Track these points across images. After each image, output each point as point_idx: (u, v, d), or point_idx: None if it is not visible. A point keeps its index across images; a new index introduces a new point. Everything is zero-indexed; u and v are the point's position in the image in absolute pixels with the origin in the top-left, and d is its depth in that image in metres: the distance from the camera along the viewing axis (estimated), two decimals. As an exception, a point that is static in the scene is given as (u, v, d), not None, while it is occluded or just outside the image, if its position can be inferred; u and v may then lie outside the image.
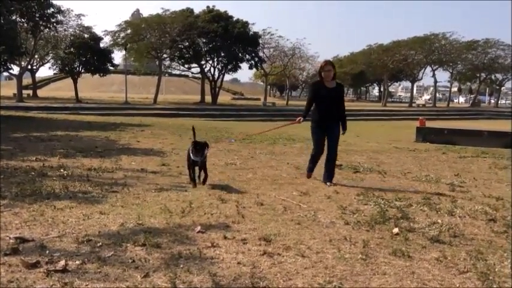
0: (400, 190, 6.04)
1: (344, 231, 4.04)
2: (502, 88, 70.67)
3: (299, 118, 6.58)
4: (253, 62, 44.64)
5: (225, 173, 6.91)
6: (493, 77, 62.63)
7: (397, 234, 4.00)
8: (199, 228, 3.89)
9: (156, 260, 3.19)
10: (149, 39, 40.33)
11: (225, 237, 3.67)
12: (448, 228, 4.21)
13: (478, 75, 61.57)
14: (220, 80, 45.15)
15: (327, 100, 6.41)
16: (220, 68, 44.27)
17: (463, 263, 3.33)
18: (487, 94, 76.77)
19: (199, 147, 5.83)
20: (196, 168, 6.01)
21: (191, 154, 5.82)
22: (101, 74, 40.67)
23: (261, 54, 46.66)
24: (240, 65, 44.41)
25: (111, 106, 28.98)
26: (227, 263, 3.15)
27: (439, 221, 4.50)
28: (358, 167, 8.04)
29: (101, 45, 40.14)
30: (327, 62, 6.73)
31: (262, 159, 8.68)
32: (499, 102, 69.92)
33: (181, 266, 3.07)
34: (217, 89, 44.17)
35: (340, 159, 8.95)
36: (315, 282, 2.85)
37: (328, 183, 6.34)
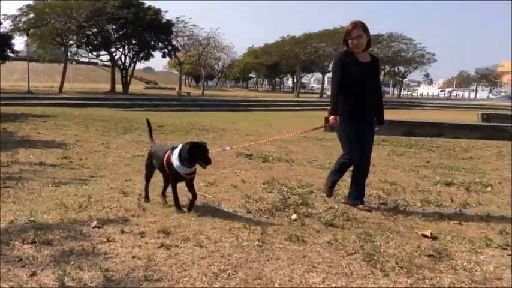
0: (304, 178, 6.27)
1: (245, 219, 4.12)
2: (405, 80, 75.70)
3: (332, 118, 4.65)
4: (166, 50, 43.68)
5: (131, 165, 6.73)
6: (396, 69, 66.78)
7: (295, 220, 4.16)
8: (95, 223, 3.76)
9: (45, 257, 3.04)
10: (53, 25, 37.91)
11: (122, 232, 3.59)
12: (342, 213, 4.45)
13: (382, 67, 65.33)
14: (131, 68, 43.70)
15: (361, 81, 4.56)
16: (131, 56, 42.82)
17: (352, 245, 3.55)
18: (391, 85, 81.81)
19: (196, 153, 4.06)
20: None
21: (178, 163, 4.07)
22: (0, 61, 37.56)
23: (174, 42, 45.77)
24: (153, 53, 43.23)
25: (12, 96, 26.93)
26: (121, 257, 3.09)
27: (336, 206, 4.74)
28: (267, 156, 8.21)
29: (0, 30, 37.02)
30: (356, 24, 4.57)
31: (172, 150, 8.56)
32: (402, 93, 74.85)
33: (72, 262, 2.96)
34: (128, 78, 42.69)
35: (251, 149, 9.11)
36: (209, 272, 2.88)
37: (360, 206, 4.70)
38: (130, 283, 2.70)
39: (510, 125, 14.58)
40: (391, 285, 2.83)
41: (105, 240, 3.40)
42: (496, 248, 3.60)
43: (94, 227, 3.69)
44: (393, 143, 11.48)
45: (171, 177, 4.22)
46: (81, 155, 7.46)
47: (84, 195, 4.71)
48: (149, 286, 2.66)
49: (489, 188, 5.96)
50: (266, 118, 22.47)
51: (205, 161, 4.06)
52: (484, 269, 3.17)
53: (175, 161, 4.07)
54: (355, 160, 4.75)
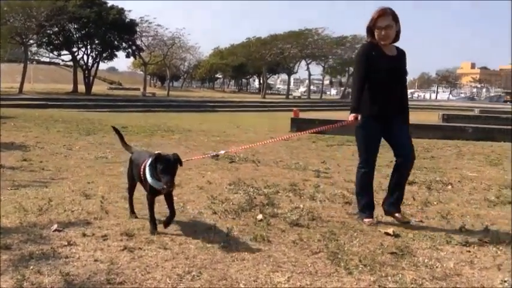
0: (270, 178, 6.29)
1: (210, 220, 4.10)
2: (368, 81, 77.09)
3: (353, 116, 4.06)
4: (130, 50, 43.04)
5: (94, 167, 6.58)
6: (360, 71, 67.93)
7: (260, 220, 4.17)
8: (56, 226, 3.66)
9: (3, 262, 2.94)
10: (13, 24, 36.70)
11: (84, 235, 3.50)
12: (307, 212, 4.48)
13: (347, 69, 66.37)
14: (94, 68, 42.82)
15: (388, 77, 4.08)
16: (94, 56, 41.95)
17: (316, 244, 3.58)
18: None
19: (168, 165, 3.47)
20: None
21: (149, 177, 3.56)
22: (-45, 61, 36.13)
23: (138, 42, 45.16)
24: (116, 53, 42.57)
25: (-32, 96, 25.85)
26: (83, 261, 3.01)
27: (301, 205, 4.77)
28: (234, 157, 8.18)
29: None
30: (385, 11, 4.06)
31: (137, 152, 8.42)
32: (365, 94, 76.13)
33: (32, 267, 2.86)
34: (91, 78, 41.81)
35: (217, 149, 9.06)
36: (174, 274, 2.85)
37: (396, 214, 4.23)
38: (92, 287, 2.63)
39: (469, 125, 15.09)
40: (355, 283, 2.87)
41: (66, 243, 3.31)
42: (456, 244, 3.70)
43: (55, 230, 3.59)
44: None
45: (146, 191, 3.73)
46: (41, 157, 7.24)
47: (45, 198, 4.57)
48: (111, 290, 2.61)
49: (449, 187, 6.13)
50: (233, 119, 22.42)
51: (166, 181, 3.42)
52: (445, 265, 3.25)
53: (147, 172, 3.59)
54: (373, 167, 4.32)
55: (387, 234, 3.91)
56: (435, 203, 5.16)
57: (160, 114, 23.97)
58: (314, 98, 61.41)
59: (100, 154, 7.87)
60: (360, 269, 3.08)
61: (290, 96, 60.67)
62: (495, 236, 3.89)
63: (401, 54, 4.24)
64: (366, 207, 4.28)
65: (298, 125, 16.30)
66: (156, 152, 3.59)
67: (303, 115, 18.97)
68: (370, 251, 3.48)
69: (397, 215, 4.22)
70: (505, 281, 2.98)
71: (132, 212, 4.12)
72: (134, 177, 3.98)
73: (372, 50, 4.15)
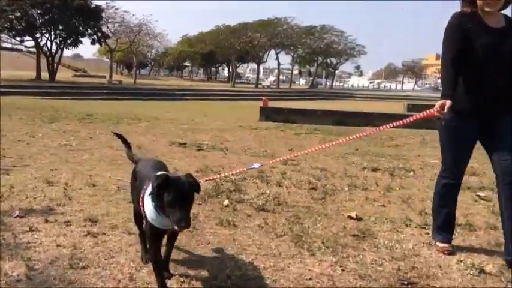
0: (238, 166, 6.30)
1: (176, 206, 4.09)
2: (336, 71, 77.97)
3: (440, 104, 2.99)
4: (95, 37, 41.96)
5: (57, 155, 6.45)
6: (328, 61, 68.61)
7: (227, 205, 4.20)
8: (17, 212, 3.58)
9: (-38, 250, 2.86)
10: (-29, 7, 35.24)
11: (47, 221, 3.45)
12: (274, 198, 4.54)
13: (315, 59, 66.90)
14: (58, 55, 41.63)
15: (492, 58, 3.02)
16: (58, 42, 40.75)
17: (281, 227, 3.64)
18: (323, 77, 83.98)
19: (181, 195, 2.24)
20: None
21: (150, 212, 2.39)
22: None
23: (104, 29, 44.10)
24: (81, 39, 41.44)
25: None
26: (45, 246, 2.97)
27: (268, 191, 4.83)
28: (202, 144, 8.17)
29: None
30: None
31: (102, 140, 8.31)
32: (334, 84, 77.05)
33: (-8, 254, 2.81)
34: (55, 65, 40.65)
35: (185, 137, 9.05)
36: (138, 258, 2.85)
37: None
38: (55, 271, 2.60)
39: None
40: (317, 264, 2.95)
41: (28, 229, 3.25)
42: (416, 227, 3.83)
43: (16, 216, 3.52)
44: (324, 131, 11.82)
45: (146, 231, 2.54)
46: (3, 145, 7.03)
47: (6, 185, 4.45)
48: (74, 274, 2.59)
49: (411, 173, 6.30)
50: (201, 107, 22.31)
51: (178, 218, 2.19)
52: (404, 246, 3.37)
53: (146, 204, 2.40)
54: (460, 178, 3.35)
55: (350, 217, 4.01)
56: (397, 188, 5.30)
57: (127, 102, 23.59)
58: (283, 87, 61.64)
59: (64, 142, 7.71)
60: (323, 250, 3.16)
61: (259, 86, 60.66)
62: (453, 219, 4.04)
63: (511, 26, 3.09)
64: (442, 228, 3.36)
65: (267, 114, 16.38)
66: (160, 173, 2.37)
67: (272, 104, 19.03)
68: (333, 233, 3.56)
69: None
70: (461, 261, 3.11)
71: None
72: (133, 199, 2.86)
73: (469, 21, 3.06)
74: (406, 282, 2.74)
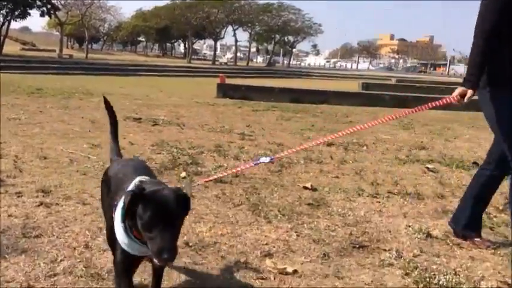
0: (195, 140, 6.28)
1: (132, 178, 4.05)
2: (294, 50, 78.24)
3: (460, 92, 2.74)
4: (45, 9, 40.08)
5: (6, 129, 6.18)
6: (285, 39, 68.63)
7: (184, 177, 4.20)
8: (-36, 184, 3.45)
9: None
10: None
11: (-4, 192, 3.34)
12: (231, 169, 4.57)
13: (273, 36, 66.72)
14: (5, 27, 39.50)
15: None
16: (5, 14, 38.62)
17: (238, 197, 3.69)
18: (281, 55, 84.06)
19: (164, 214, 1.61)
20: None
21: (122, 232, 1.77)
22: None
23: (54, 1, 42.18)
24: (30, 11, 39.46)
25: None
26: (-4, 217, 2.88)
27: (225, 164, 4.85)
28: (157, 120, 8.06)
29: None
30: None
31: (53, 114, 8.03)
32: (291, 62, 77.34)
33: None
34: (2, 38, 38.59)
35: (140, 112, 8.88)
36: (93, 227, 2.82)
37: None
38: (7, 240, 2.54)
39: (387, 93, 15.91)
40: (273, 230, 3.02)
41: (-24, 201, 3.14)
42: (367, 196, 3.98)
43: (-37, 188, 3.38)
44: (282, 108, 11.90)
45: (114, 257, 1.88)
46: None
47: (-50, 158, 4.26)
48: (28, 243, 2.54)
49: (364, 148, 6.50)
50: (156, 83, 21.86)
51: (157, 248, 1.59)
52: (356, 213, 3.50)
53: (117, 223, 1.79)
54: (500, 173, 2.98)
55: (305, 188, 4.11)
56: (351, 161, 5.46)
57: (78, 77, 22.76)
58: (241, 64, 61.29)
59: (13, 115, 7.40)
60: (279, 218, 3.23)
61: (216, 63, 60.01)
62: (403, 189, 4.23)
63: None
64: (473, 222, 3.05)
65: (224, 90, 16.26)
66: (136, 183, 1.79)
67: (229, 81, 18.90)
68: (289, 202, 3.65)
69: None
70: (409, 226, 3.26)
71: None
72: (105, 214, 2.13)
73: None
74: (357, 246, 2.85)
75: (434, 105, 2.85)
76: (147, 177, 1.86)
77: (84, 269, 2.30)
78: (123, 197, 1.70)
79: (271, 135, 7.23)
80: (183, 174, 4.29)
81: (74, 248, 2.52)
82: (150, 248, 1.59)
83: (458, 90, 2.74)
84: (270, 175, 4.57)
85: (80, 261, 2.38)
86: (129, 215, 1.66)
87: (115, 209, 1.80)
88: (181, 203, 1.67)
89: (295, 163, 5.17)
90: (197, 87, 20.67)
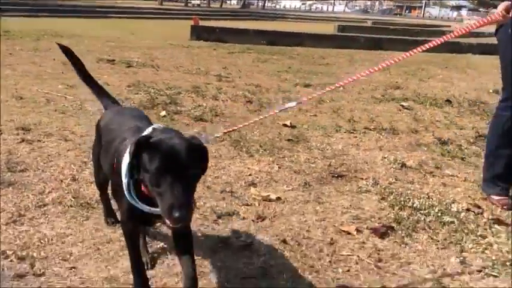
0: (171, 81, 6.23)
1: (112, 116, 4.04)
2: (268, -8, 76.11)
3: (506, 6, 2.42)
4: None
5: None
6: (260, -20, 66.60)
7: (164, 116, 4.21)
8: None
9: None
10: None
11: (-25, 130, 3.30)
12: (210, 110, 4.60)
13: (247, -22, 64.62)
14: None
15: None
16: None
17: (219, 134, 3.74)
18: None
19: (178, 166, 1.37)
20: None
21: (128, 190, 1.51)
22: None
23: None
24: None
25: None
26: (-23, 153, 2.87)
27: (204, 104, 4.87)
28: (131, 62, 7.90)
29: None
30: None
31: (24, 56, 7.77)
32: (266, 4, 75.45)
33: None
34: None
35: (112, 55, 8.67)
36: (78, 161, 2.85)
37: None
38: (-9, 175, 2.56)
39: (362, 35, 15.85)
40: (256, 163, 3.11)
41: (-45, 139, 3.10)
42: (345, 132, 4.10)
43: None
44: (258, 51, 11.78)
45: (121, 214, 1.70)
46: None
47: None
48: (14, 176, 2.56)
49: (341, 88, 6.55)
50: (127, 26, 21.14)
51: (168, 205, 1.35)
52: (334, 147, 3.61)
53: (124, 175, 1.53)
54: None
55: (285, 125, 4.19)
56: (328, 101, 5.54)
57: (46, 19, 21.82)
58: (214, 6, 59.54)
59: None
60: (260, 152, 3.32)
61: (189, 4, 58.07)
62: (378, 125, 4.35)
63: None
64: (500, 177, 2.75)
65: (198, 33, 15.89)
66: (152, 128, 1.56)
67: (203, 23, 18.43)
68: (270, 139, 3.73)
69: None
70: (385, 158, 3.40)
71: (109, 215, 2.19)
72: (104, 167, 1.90)
73: None
74: (336, 175, 2.98)
75: (463, 31, 2.32)
76: (161, 125, 1.60)
77: (73, 199, 2.35)
78: (128, 149, 1.47)
79: (248, 77, 7.21)
80: (163, 113, 4.29)
81: (61, 181, 2.56)
82: (160, 206, 1.37)
83: (503, 4, 2.39)
84: (250, 114, 4.62)
85: (68, 193, 2.43)
86: (135, 168, 1.44)
87: (117, 162, 1.59)
88: (196, 153, 1.42)
89: (274, 103, 5.21)
90: (170, 29, 20.10)
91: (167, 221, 1.36)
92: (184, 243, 1.62)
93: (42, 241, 1.98)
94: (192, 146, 1.42)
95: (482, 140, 3.94)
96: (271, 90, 6.10)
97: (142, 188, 1.47)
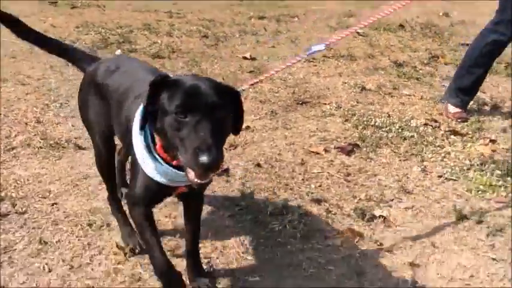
0: (121, 20, 5.99)
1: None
2: None
3: None
4: None
5: None
6: None
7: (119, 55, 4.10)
8: None
9: None
10: None
11: None
12: (166, 46, 4.51)
13: None
14: None
15: None
16: None
17: (180, 70, 3.72)
18: None
19: (205, 108, 1.19)
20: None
21: (143, 151, 1.34)
22: None
23: None
24: None
25: None
26: None
27: (159, 41, 4.75)
28: (75, 2, 7.48)
29: None
30: None
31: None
32: None
33: None
34: None
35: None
36: (40, 103, 2.78)
37: None
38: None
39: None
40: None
41: None
42: (304, 61, 4.13)
43: None
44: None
45: (131, 186, 1.48)
46: None
47: None
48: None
49: (296, 19, 6.52)
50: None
51: (193, 148, 1.15)
52: (296, 77, 3.67)
53: (136, 141, 1.36)
54: (507, 40, 2.80)
55: (245, 58, 4.18)
56: (284, 32, 5.51)
57: None
58: None
59: None
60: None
61: None
62: (336, 52, 4.42)
63: None
64: (464, 91, 2.95)
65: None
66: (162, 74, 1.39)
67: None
68: (231, 71, 3.74)
69: None
70: (345, 83, 3.50)
71: (115, 209, 1.80)
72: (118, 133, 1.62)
73: None
74: (301, 102, 3.07)
75: None
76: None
77: (41, 140, 2.33)
78: (141, 105, 1.27)
79: (200, 12, 6.98)
80: (118, 51, 4.18)
81: (26, 124, 2.51)
82: (183, 155, 1.16)
83: None
84: (207, 49, 4.56)
85: (35, 135, 2.40)
86: (148, 118, 1.23)
87: (129, 123, 1.38)
88: (226, 95, 1.24)
89: (230, 36, 5.15)
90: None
91: (191, 175, 1.16)
92: (194, 210, 1.52)
93: (18, 182, 1.97)
94: (220, 86, 1.26)
95: (435, 61, 4.12)
96: (225, 24, 5.99)
97: (159, 148, 1.28)
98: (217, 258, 1.71)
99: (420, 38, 5.17)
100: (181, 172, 1.24)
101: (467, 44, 4.47)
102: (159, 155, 1.28)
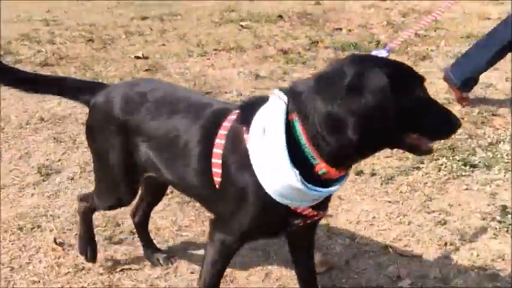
0: None
1: None
2: None
3: None
4: None
5: None
6: None
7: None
8: None
9: None
10: None
11: None
12: (52, 54, 4.39)
13: None
14: None
15: None
16: None
17: (74, 75, 3.66)
18: None
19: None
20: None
21: (294, 175, 1.19)
22: None
23: None
24: None
25: None
26: None
27: (43, 49, 4.60)
28: None
29: None
30: None
31: None
32: None
33: None
34: None
35: None
36: None
37: None
38: None
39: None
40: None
41: None
42: (197, 56, 4.31)
43: None
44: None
45: (234, 227, 1.34)
46: None
47: None
48: None
49: (179, 17, 6.61)
50: None
51: (444, 120, 1.28)
52: (192, 71, 3.84)
53: (284, 159, 1.20)
54: None
55: (137, 57, 4.23)
56: (171, 30, 5.60)
57: None
58: None
59: None
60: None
61: None
62: (226, 45, 4.63)
63: None
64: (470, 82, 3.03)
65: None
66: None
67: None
68: (127, 72, 3.78)
69: None
70: (241, 72, 3.74)
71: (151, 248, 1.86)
72: (131, 169, 1.51)
73: None
74: (203, 93, 3.22)
75: None
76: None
77: None
78: (275, 104, 1.23)
79: (77, 18, 6.78)
80: (2, 64, 3.97)
81: None
82: (429, 127, 1.22)
83: None
84: (96, 52, 4.52)
85: None
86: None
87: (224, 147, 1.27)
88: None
89: (117, 38, 5.12)
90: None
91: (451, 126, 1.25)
92: (308, 236, 1.49)
93: None
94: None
95: (315, 46, 4.53)
96: (108, 26, 5.90)
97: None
98: None
99: (299, 26, 5.57)
100: (324, 189, 1.20)
101: (341, 29, 5.06)
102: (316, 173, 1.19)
